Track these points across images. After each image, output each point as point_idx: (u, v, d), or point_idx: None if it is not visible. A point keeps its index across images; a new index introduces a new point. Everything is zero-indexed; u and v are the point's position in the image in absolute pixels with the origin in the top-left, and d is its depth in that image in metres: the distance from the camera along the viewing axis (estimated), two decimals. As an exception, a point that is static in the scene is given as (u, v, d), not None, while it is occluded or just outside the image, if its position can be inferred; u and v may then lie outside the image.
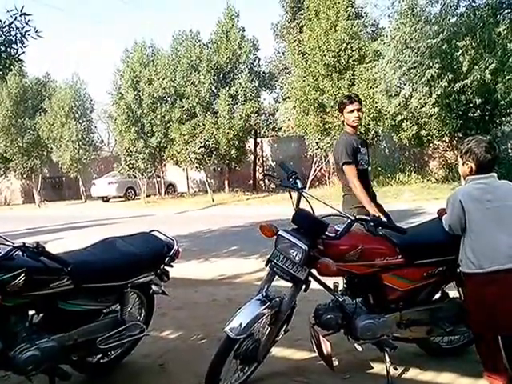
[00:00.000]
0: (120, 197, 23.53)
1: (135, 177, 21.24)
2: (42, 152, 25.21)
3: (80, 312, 2.81)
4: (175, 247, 3.21)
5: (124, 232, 3.46)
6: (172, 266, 3.23)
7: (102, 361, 3.16)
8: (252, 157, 23.19)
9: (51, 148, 24.38)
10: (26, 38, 6.30)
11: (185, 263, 6.25)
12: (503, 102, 14.42)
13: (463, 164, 2.79)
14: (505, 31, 10.98)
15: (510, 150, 17.38)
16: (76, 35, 64.02)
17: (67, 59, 61.35)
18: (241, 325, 2.56)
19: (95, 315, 2.98)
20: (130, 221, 12.89)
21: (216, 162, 20.72)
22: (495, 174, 2.74)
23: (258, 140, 23.80)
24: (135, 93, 21.46)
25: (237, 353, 2.66)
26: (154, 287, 3.20)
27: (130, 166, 20.59)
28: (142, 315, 3.39)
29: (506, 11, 11.00)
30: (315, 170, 18.19)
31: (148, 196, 21.65)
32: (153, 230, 3.39)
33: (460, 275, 2.98)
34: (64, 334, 2.72)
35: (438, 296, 3.10)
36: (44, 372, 2.68)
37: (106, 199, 23.78)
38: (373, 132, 17.40)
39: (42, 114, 24.30)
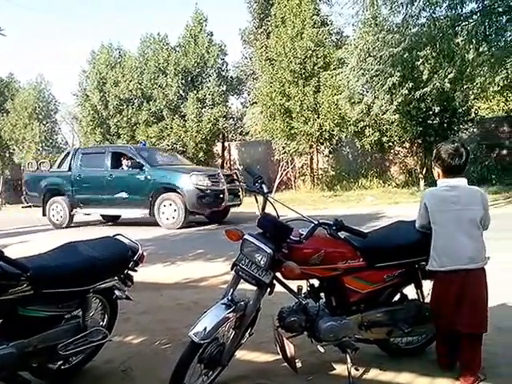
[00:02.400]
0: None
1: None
2: (4, 153, 24.45)
3: (40, 318, 2.72)
4: (139, 251, 3.16)
5: (88, 236, 3.38)
6: (136, 271, 3.17)
7: (62, 367, 3.06)
8: (220, 160, 23.13)
9: (13, 149, 23.65)
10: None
11: (150, 267, 6.15)
12: (461, 110, 14.92)
13: (433, 168, 2.91)
14: (463, 42, 11.34)
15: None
16: (41, 35, 62.39)
17: (32, 59, 59.68)
18: (205, 329, 2.53)
19: (56, 321, 2.88)
20: (95, 224, 12.61)
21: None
22: (464, 179, 2.84)
23: (226, 144, 23.76)
24: (101, 94, 21.09)
25: (201, 357, 2.62)
26: (117, 292, 3.12)
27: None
28: (105, 321, 3.30)
29: (464, 23, 11.35)
30: (282, 174, 18.30)
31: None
32: (117, 234, 3.32)
33: (419, 277, 3.08)
34: (23, 341, 2.62)
35: (397, 298, 3.15)
36: (3, 379, 2.58)
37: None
38: (337, 138, 17.67)
39: (5, 114, 23.57)
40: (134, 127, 20.72)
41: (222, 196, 10.67)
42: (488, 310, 2.80)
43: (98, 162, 11.70)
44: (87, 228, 11.86)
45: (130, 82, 20.62)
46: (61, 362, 3.02)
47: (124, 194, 11.17)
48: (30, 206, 13.09)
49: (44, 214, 12.23)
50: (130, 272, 3.15)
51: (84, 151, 12.47)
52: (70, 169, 11.97)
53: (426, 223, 2.89)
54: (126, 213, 11.61)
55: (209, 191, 10.47)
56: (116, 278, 3.10)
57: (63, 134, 33.49)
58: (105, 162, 11.60)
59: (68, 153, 12.69)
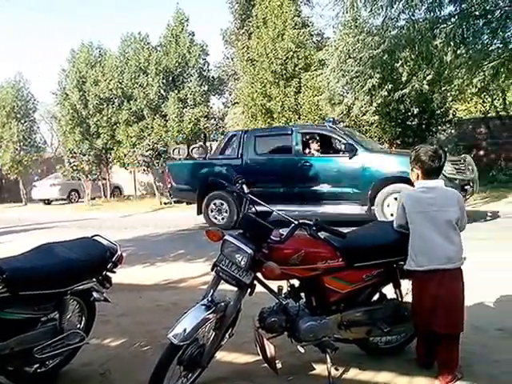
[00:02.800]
0: (63, 199, 22.69)
1: (79, 179, 20.55)
2: (-19, 153, 23.94)
3: (16, 321, 2.67)
4: (118, 252, 3.11)
5: (65, 237, 3.32)
6: (115, 272, 3.12)
7: (39, 370, 3.01)
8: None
9: (-10, 149, 23.21)
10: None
11: (129, 268, 6.08)
12: (439, 112, 15.12)
13: (412, 170, 2.93)
14: (441, 44, 11.51)
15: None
16: (21, 33, 61.39)
17: (10, 57, 58.58)
18: (185, 330, 2.50)
19: (32, 324, 2.83)
20: (73, 225, 12.43)
21: (165, 164, 20.38)
22: (441, 181, 2.89)
23: (208, 144, 23.68)
24: (81, 93, 20.83)
25: (180, 359, 2.59)
26: (95, 294, 3.07)
27: (74, 167, 19.92)
28: (83, 323, 3.25)
29: (442, 26, 11.51)
30: (263, 174, 18.25)
31: (93, 199, 20.99)
32: (95, 235, 3.27)
33: (397, 277, 3.11)
34: (-1, 343, 2.57)
35: (376, 297, 3.17)
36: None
37: (47, 202, 22.87)
38: (317, 138, 17.71)
39: (-18, 113, 23.10)
40: (114, 126, 20.52)
41: (470, 187, 8.76)
42: (465, 310, 2.83)
43: (280, 145, 9.70)
44: (62, 228, 11.63)
45: (111, 81, 20.40)
46: (37, 365, 2.97)
47: (327, 187, 9.03)
48: (177, 202, 11.29)
49: (200, 213, 10.13)
50: (108, 273, 3.11)
51: (257, 133, 10.29)
52: (239, 155, 9.81)
53: (403, 223, 2.92)
54: (331, 210, 8.97)
55: (457, 181, 8.34)
56: (94, 279, 3.05)
57: (42, 133, 33.06)
58: (292, 146, 9.36)
59: (233, 135, 10.35)
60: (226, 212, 9.67)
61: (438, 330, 2.78)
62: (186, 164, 10.96)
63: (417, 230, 2.83)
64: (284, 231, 2.77)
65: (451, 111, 15.91)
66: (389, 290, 3.19)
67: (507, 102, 18.18)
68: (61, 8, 59.80)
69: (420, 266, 2.80)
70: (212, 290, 2.75)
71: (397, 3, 11.53)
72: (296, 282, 2.95)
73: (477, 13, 11.41)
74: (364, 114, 13.92)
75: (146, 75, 20.19)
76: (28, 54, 60.51)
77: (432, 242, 2.78)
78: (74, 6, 60.62)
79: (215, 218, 9.82)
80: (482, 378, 2.85)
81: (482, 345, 3.29)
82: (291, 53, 17.18)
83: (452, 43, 11.61)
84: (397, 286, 3.14)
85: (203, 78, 21.46)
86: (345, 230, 2.91)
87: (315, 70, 16.53)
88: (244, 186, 2.96)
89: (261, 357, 2.83)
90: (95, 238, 3.25)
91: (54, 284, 2.78)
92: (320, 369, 3.01)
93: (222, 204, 9.71)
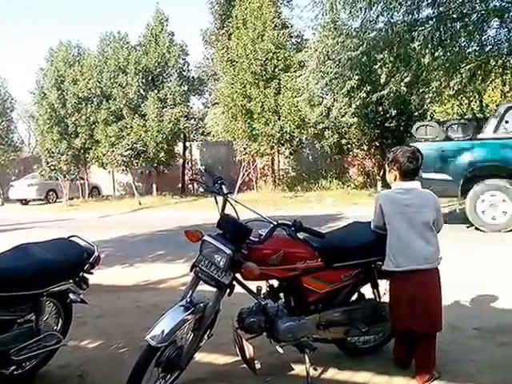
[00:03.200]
0: (40, 199, 22.30)
1: (57, 179, 20.23)
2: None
3: (-9, 322, 2.62)
4: (95, 253, 3.08)
5: (42, 237, 3.26)
6: (92, 273, 3.09)
7: (15, 372, 2.95)
8: (181, 160, 22.91)
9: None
10: None
11: (107, 269, 6.01)
12: (417, 114, 15.32)
13: (389, 171, 2.96)
14: (419, 47, 11.64)
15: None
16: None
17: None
18: (163, 332, 2.48)
19: (8, 325, 2.78)
20: (50, 225, 12.23)
21: (144, 164, 20.24)
22: (418, 182, 2.91)
23: (188, 144, 23.58)
24: (59, 92, 20.51)
25: (158, 361, 2.56)
26: (71, 295, 3.03)
27: (52, 167, 19.58)
28: (59, 325, 3.20)
29: (421, 28, 11.65)
30: (243, 174, 18.30)
31: (71, 199, 20.68)
32: (72, 236, 3.22)
33: (375, 277, 3.13)
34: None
35: (354, 297, 3.19)
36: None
37: (25, 202, 22.44)
38: (297, 139, 17.82)
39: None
40: (93, 126, 20.26)
41: None
42: (442, 309, 2.87)
43: None
44: (39, 228, 11.43)
45: (89, 80, 20.14)
46: (14, 367, 2.92)
47: None
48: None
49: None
50: (85, 275, 3.07)
51: None
52: None
53: (381, 224, 2.94)
54: None
55: None
56: (71, 280, 3.01)
57: (19, 132, 32.43)
58: None
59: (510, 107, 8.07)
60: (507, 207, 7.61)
61: (416, 329, 2.81)
62: (443, 146, 8.36)
63: (395, 230, 2.86)
64: (263, 232, 2.77)
65: (429, 113, 16.16)
66: (367, 290, 3.21)
67: (484, 105, 18.49)
68: (36, 6, 58.76)
69: (398, 266, 2.82)
70: (191, 291, 2.73)
71: (375, 6, 11.64)
72: (275, 283, 2.95)
73: (454, 16, 11.60)
74: (343, 116, 14.01)
75: (126, 75, 20.00)
76: (4, 53, 59.26)
77: (410, 242, 2.81)
78: (49, 4, 59.64)
79: (492, 218, 7.79)
80: (458, 377, 2.88)
81: (459, 344, 3.34)
82: (271, 54, 17.24)
83: (430, 46, 11.76)
84: (375, 286, 3.17)
85: (183, 78, 21.36)
86: (324, 230, 2.92)
87: (295, 71, 16.60)
88: (223, 187, 2.95)
89: (240, 357, 2.83)
90: (72, 238, 3.21)
91: (29, 285, 2.73)
92: (299, 369, 3.01)
93: (495, 196, 7.74)
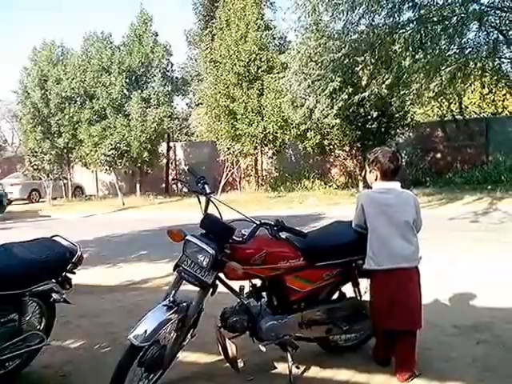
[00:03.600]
0: (24, 199, 21.95)
1: (40, 178, 19.94)
2: None
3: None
4: (78, 253, 3.04)
5: (25, 237, 3.22)
6: (75, 273, 3.05)
7: (-2, 372, 2.91)
8: (165, 160, 22.78)
9: None
10: None
11: (91, 269, 5.96)
12: (397, 115, 15.46)
13: (370, 172, 2.99)
14: (400, 49, 11.77)
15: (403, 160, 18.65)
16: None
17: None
18: (146, 332, 2.46)
19: (-10, 325, 2.74)
20: (33, 225, 12.06)
21: (127, 164, 20.06)
22: (398, 183, 2.94)
23: (171, 144, 23.44)
24: (42, 92, 20.20)
25: (141, 360, 2.55)
26: (54, 295, 2.99)
27: (35, 167, 19.32)
28: (42, 324, 3.16)
29: (402, 31, 11.79)
30: (227, 174, 18.26)
31: (54, 198, 20.38)
32: (55, 235, 3.18)
33: (356, 276, 3.15)
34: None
35: (336, 296, 3.21)
36: None
37: (8, 202, 22.05)
38: (280, 140, 17.85)
39: None
40: (76, 126, 19.99)
41: None
42: (422, 307, 2.90)
43: None
44: (22, 228, 11.25)
45: (73, 79, 19.88)
46: (-4, 367, 2.87)
47: None
48: None
49: None
50: (68, 274, 3.04)
51: None
52: None
53: (362, 223, 2.96)
54: None
55: None
56: (53, 280, 2.97)
57: (2, 132, 31.92)
58: None
59: None
60: None
61: (396, 327, 2.84)
62: None
63: (376, 230, 2.88)
64: (246, 231, 2.77)
65: (409, 115, 16.29)
66: (348, 289, 3.23)
67: (463, 106, 18.76)
68: (21, 7, 57.84)
69: (379, 265, 2.85)
70: (174, 291, 2.72)
71: (357, 8, 11.74)
72: (258, 282, 2.96)
73: (434, 19, 11.75)
74: (325, 117, 14.04)
75: (109, 74, 19.79)
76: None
77: (391, 242, 2.83)
78: (36, 4, 58.74)
79: None
80: (438, 374, 2.91)
81: (438, 342, 3.39)
82: (254, 55, 17.23)
83: (410, 48, 11.91)
84: (355, 285, 3.19)
85: (167, 79, 21.23)
86: (306, 229, 2.93)
87: (278, 72, 16.62)
88: (206, 186, 2.94)
89: (223, 356, 2.82)
90: (55, 238, 3.17)
91: (12, 285, 2.71)
92: (281, 367, 3.02)
93: None
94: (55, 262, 2.95)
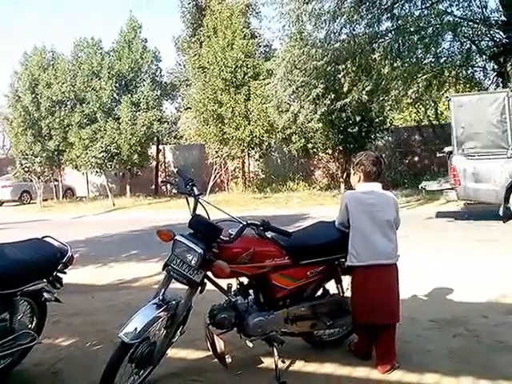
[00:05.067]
0: (15, 201, 21.63)
1: (31, 180, 19.68)
2: None
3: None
4: (69, 253, 3.01)
5: (16, 238, 3.16)
6: (65, 273, 3.01)
7: (-11, 371, 2.86)
8: (154, 163, 22.67)
9: None
10: None
11: (81, 269, 5.89)
12: (377, 120, 15.60)
13: (354, 174, 3.04)
14: (379, 57, 11.91)
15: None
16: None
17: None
18: (136, 329, 2.45)
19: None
20: (24, 226, 11.88)
21: (118, 166, 19.91)
22: (380, 184, 3.00)
23: (161, 147, 23.34)
24: (33, 96, 19.97)
25: (132, 357, 2.53)
26: (46, 295, 2.95)
27: (26, 169, 19.04)
28: (34, 323, 3.12)
29: (381, 40, 11.93)
30: (215, 176, 18.23)
31: (45, 200, 20.12)
32: (45, 236, 3.14)
33: (339, 273, 3.17)
34: None
35: (320, 293, 3.22)
36: None
37: (-2, 203, 21.76)
38: (266, 143, 17.90)
39: None
40: (67, 129, 19.80)
41: None
42: (400, 302, 2.93)
43: None
44: (13, 229, 11.09)
45: (63, 84, 19.70)
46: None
47: None
48: None
49: None
50: (59, 274, 3.00)
51: None
52: None
53: (345, 221, 2.99)
54: None
55: None
56: (44, 280, 2.93)
57: (-7, 135, 31.40)
58: None
59: None
60: None
61: (377, 321, 2.87)
62: None
63: (359, 228, 2.91)
64: (233, 231, 2.77)
65: (388, 120, 16.45)
66: (331, 286, 3.25)
67: (439, 112, 19.02)
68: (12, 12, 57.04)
69: (361, 261, 2.88)
70: (163, 289, 2.71)
71: (339, 18, 11.85)
72: (245, 280, 2.95)
73: (412, 29, 11.91)
74: (309, 122, 14.12)
75: (99, 79, 19.66)
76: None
77: (373, 239, 2.87)
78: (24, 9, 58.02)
79: None
80: (417, 366, 2.94)
81: (417, 335, 3.42)
82: (240, 62, 17.26)
83: (389, 57, 12.05)
84: (338, 282, 3.21)
85: (156, 83, 21.16)
86: (290, 229, 2.94)
87: (264, 78, 16.66)
88: (194, 188, 2.93)
89: (211, 352, 2.81)
90: (46, 238, 3.13)
91: (4, 285, 2.66)
92: (268, 362, 3.02)
93: None
94: (46, 262, 2.91)
